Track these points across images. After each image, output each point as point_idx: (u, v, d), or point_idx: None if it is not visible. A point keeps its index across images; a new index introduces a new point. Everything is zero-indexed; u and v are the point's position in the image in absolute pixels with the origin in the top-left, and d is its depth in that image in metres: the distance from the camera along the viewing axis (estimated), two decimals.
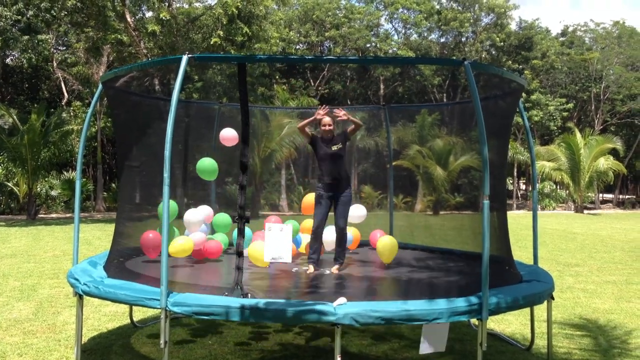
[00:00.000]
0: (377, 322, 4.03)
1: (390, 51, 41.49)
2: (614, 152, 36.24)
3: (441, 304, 4.16)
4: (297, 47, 41.12)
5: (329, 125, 6.55)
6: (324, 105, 6.76)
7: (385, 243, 6.70)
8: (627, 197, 49.97)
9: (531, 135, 6.76)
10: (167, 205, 4.16)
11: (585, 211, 36.08)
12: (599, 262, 12.77)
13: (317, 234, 6.44)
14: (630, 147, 43.46)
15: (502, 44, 42.42)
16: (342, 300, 4.14)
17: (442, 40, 44.82)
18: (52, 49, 33.75)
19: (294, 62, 40.68)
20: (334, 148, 6.46)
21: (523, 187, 51.48)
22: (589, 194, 38.68)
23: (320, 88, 40.77)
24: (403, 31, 45.68)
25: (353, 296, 4.37)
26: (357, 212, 7.65)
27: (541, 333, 6.45)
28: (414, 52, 41.14)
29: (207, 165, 7.20)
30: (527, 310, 6.48)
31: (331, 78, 42.16)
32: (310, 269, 6.17)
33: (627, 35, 46.37)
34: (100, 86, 5.61)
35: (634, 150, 44.00)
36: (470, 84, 4.24)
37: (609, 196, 50.59)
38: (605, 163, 34.38)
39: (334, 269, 6.26)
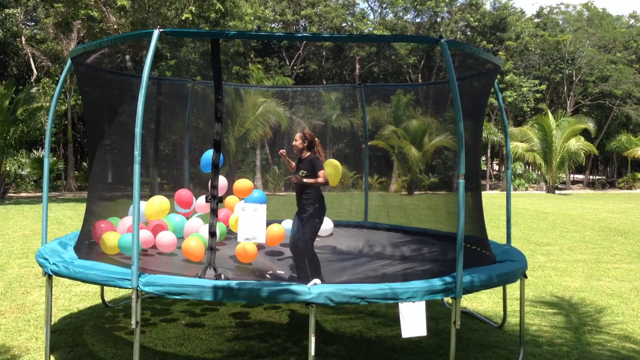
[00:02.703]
0: (352, 301, 4.02)
1: (366, 31, 41.30)
2: (585, 133, 36.80)
3: (416, 283, 4.17)
4: (273, 25, 40.70)
5: (295, 140, 5.96)
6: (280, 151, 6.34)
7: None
8: (597, 177, 50.83)
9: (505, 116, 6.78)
10: (138, 184, 4.07)
11: (557, 191, 36.65)
12: (570, 241, 12.99)
13: (291, 250, 5.98)
14: (602, 129, 44.14)
15: (476, 24, 42.55)
16: (316, 281, 4.11)
17: (418, 20, 44.78)
18: (21, 25, 32.88)
19: (267, 39, 40.15)
20: (300, 173, 5.83)
21: (496, 167, 52.03)
22: (561, 174, 39.27)
23: (295, 67, 40.50)
24: (379, 10, 45.51)
25: (328, 276, 4.35)
26: (323, 225, 7.08)
27: (513, 311, 6.54)
28: (389, 32, 40.99)
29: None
30: (500, 288, 6.57)
31: (307, 57, 41.87)
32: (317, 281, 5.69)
33: (598, 18, 46.88)
34: (68, 62, 5.45)
35: (604, 132, 44.70)
36: (446, 62, 4.21)
37: (580, 177, 51.46)
38: (577, 144, 34.89)
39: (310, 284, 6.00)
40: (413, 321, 4.32)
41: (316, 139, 6.07)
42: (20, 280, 8.13)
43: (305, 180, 5.67)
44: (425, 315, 4.32)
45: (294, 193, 6.10)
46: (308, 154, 5.92)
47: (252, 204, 4.91)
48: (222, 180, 6.66)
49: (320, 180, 5.72)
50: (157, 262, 5.54)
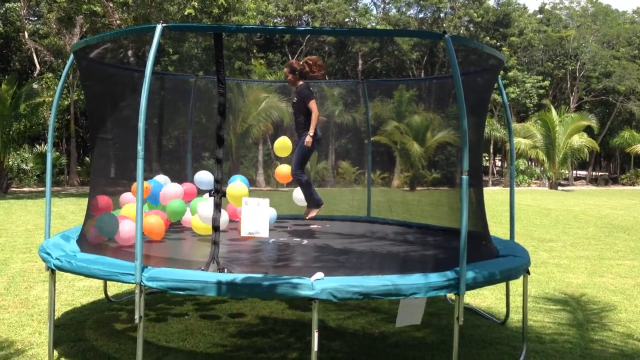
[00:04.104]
0: (355, 297, 4.01)
1: (369, 26, 41.23)
2: (588, 130, 36.71)
3: (419, 278, 4.15)
4: (275, 20, 40.64)
5: (286, 76, 6.41)
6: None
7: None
8: (600, 174, 50.77)
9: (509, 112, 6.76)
10: (141, 179, 4.06)
11: (559, 187, 36.60)
12: (573, 237, 12.97)
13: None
14: (605, 125, 44.04)
15: (480, 19, 42.42)
16: (319, 275, 4.10)
17: (421, 15, 44.69)
18: (24, 20, 32.87)
19: (270, 33, 40.19)
20: (293, 100, 6.45)
21: (499, 163, 51.98)
22: (563, 170, 39.20)
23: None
24: (382, 6, 45.42)
25: (331, 271, 4.34)
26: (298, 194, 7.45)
27: (516, 307, 6.53)
28: (392, 27, 40.93)
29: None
30: (503, 285, 6.56)
31: (309, 52, 41.79)
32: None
33: (602, 14, 46.74)
34: (71, 56, 5.44)
35: (607, 128, 44.60)
36: (450, 57, 4.19)
37: (583, 173, 51.39)
38: (580, 140, 34.82)
39: (308, 215, 6.71)
40: (410, 312, 4.33)
41: (308, 61, 6.31)
42: (23, 275, 8.14)
43: (310, 134, 5.92)
44: (423, 308, 4.35)
45: (296, 187, 6.38)
46: (300, 83, 6.16)
47: (255, 199, 4.90)
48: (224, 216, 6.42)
49: (314, 116, 6.16)
50: (160, 253, 5.54)
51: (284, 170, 7.16)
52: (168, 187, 6.49)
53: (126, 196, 6.14)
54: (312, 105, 6.15)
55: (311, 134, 6.15)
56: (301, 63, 6.44)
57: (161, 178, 6.79)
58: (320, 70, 6.44)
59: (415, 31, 25.72)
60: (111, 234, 5.09)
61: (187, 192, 6.80)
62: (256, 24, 33.38)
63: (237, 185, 6.36)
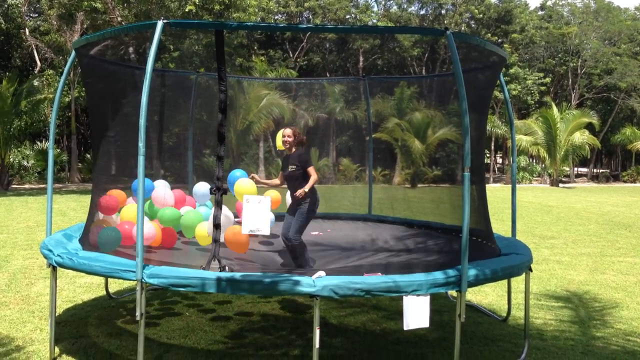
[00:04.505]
0: (356, 293, 4.00)
1: (370, 23, 41.18)
2: (589, 127, 36.64)
3: (421, 276, 4.15)
4: (276, 17, 40.58)
5: (288, 136, 5.99)
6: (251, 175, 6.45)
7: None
8: (601, 171, 50.71)
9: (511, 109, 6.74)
10: (143, 176, 4.05)
11: (561, 185, 36.56)
12: (574, 234, 12.95)
13: (284, 243, 6.04)
14: (606, 122, 43.96)
15: (481, 16, 42.34)
16: (320, 273, 4.10)
17: (422, 12, 44.62)
18: (25, 16, 32.85)
19: (271, 30, 40.17)
20: (290, 169, 6.08)
21: (500, 160, 51.93)
22: (565, 167, 39.15)
23: (299, 59, 40.40)
24: (383, 2, 45.33)
25: (332, 269, 4.34)
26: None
27: (517, 304, 6.52)
28: (393, 24, 40.85)
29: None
30: (504, 282, 6.54)
31: (310, 50, 41.77)
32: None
33: (604, 10, 46.63)
34: (72, 53, 5.43)
35: (609, 125, 44.53)
36: (452, 53, 4.18)
37: (584, 170, 51.35)
38: (581, 137, 34.76)
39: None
40: (416, 313, 4.31)
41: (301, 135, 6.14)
42: (24, 272, 8.14)
43: (306, 190, 5.67)
44: (429, 308, 4.32)
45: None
46: (295, 149, 5.97)
47: (257, 196, 4.89)
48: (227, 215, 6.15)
49: (313, 178, 5.78)
50: (162, 253, 5.54)
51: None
52: (157, 191, 6.35)
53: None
54: (312, 170, 5.90)
55: (306, 190, 5.84)
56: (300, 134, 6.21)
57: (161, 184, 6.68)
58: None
59: (417, 28, 25.64)
60: (112, 248, 5.04)
61: (178, 199, 6.62)
62: (257, 21, 33.37)
63: (244, 182, 6.33)
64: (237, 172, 6.87)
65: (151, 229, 5.60)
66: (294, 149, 5.99)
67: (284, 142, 6.00)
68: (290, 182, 5.97)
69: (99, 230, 5.26)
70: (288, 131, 5.99)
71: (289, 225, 5.85)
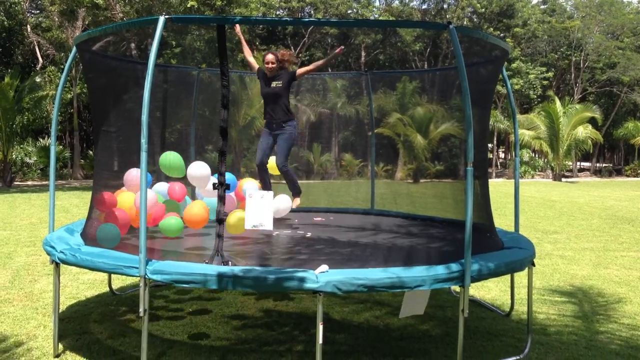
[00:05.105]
0: (359, 289, 4.00)
1: (371, 17, 41.06)
2: (592, 121, 36.56)
3: (424, 271, 4.14)
4: (278, 12, 40.51)
5: (271, 63, 6.40)
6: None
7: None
8: (604, 165, 50.60)
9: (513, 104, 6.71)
10: (145, 174, 4.05)
11: (563, 179, 36.52)
12: (577, 229, 12.93)
13: (259, 169, 6.62)
14: (609, 116, 43.85)
15: (483, 10, 42.20)
16: (324, 267, 4.09)
17: (424, 6, 44.49)
18: (26, 13, 32.83)
19: (274, 24, 40.13)
20: (273, 85, 6.34)
21: (502, 155, 51.85)
22: (567, 162, 39.08)
23: (300, 55, 40.33)
24: None
25: (335, 263, 4.33)
26: (281, 204, 6.88)
27: (520, 299, 6.52)
28: (395, 19, 40.74)
29: (171, 161, 6.25)
30: (507, 277, 6.54)
31: (312, 45, 41.70)
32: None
33: (607, 4, 46.42)
34: (74, 49, 5.42)
35: (612, 119, 44.41)
36: (455, 48, 4.16)
37: (587, 164, 51.21)
38: (584, 132, 34.70)
39: (295, 204, 6.75)
40: (414, 303, 4.33)
41: (285, 54, 6.51)
42: (28, 269, 8.15)
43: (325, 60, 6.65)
44: (427, 299, 4.34)
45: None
46: (279, 71, 6.41)
47: (259, 191, 4.89)
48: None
49: (317, 63, 6.51)
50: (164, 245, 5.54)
51: (195, 212, 6.04)
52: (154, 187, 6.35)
53: (131, 173, 6.06)
54: (302, 69, 6.41)
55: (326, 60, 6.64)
56: (283, 54, 6.55)
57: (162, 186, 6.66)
58: (290, 64, 6.62)
59: (420, 22, 25.62)
60: (112, 244, 5.03)
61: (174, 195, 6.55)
62: (259, 16, 33.27)
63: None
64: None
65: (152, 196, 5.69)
66: (278, 71, 6.40)
67: (270, 69, 6.33)
68: (270, 100, 6.30)
69: (99, 225, 5.26)
70: (270, 57, 6.33)
71: (266, 150, 6.44)
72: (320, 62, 6.61)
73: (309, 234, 6.24)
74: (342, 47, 6.69)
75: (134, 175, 5.95)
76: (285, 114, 6.47)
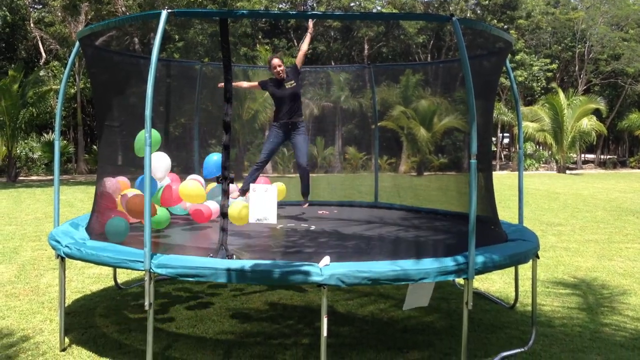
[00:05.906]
0: (363, 282, 4.01)
1: (374, 10, 40.91)
2: (596, 113, 36.41)
3: (428, 263, 4.15)
4: (280, 5, 40.38)
5: (279, 66, 6.45)
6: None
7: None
8: (608, 157, 50.42)
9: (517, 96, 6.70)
10: (149, 166, 4.05)
11: (568, 171, 36.42)
12: (581, 221, 12.91)
13: (259, 167, 6.78)
14: (613, 108, 43.66)
15: (487, 2, 41.98)
16: (326, 260, 4.10)
17: None
18: (29, 8, 32.84)
19: (278, 18, 40.08)
20: (287, 86, 6.38)
21: (506, 141, 51.65)
22: (572, 154, 38.94)
23: None
24: None
25: (339, 256, 4.34)
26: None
27: (524, 291, 6.52)
28: (398, 11, 40.57)
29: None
30: (511, 269, 6.54)
31: (314, 38, 41.55)
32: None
33: None
34: (77, 44, 5.42)
35: (616, 111, 44.22)
36: (458, 40, 4.15)
37: (591, 156, 51.03)
38: (589, 123, 34.54)
39: (305, 205, 6.98)
40: (418, 295, 4.34)
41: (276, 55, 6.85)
42: (33, 263, 8.19)
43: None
44: (431, 291, 4.35)
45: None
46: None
47: (263, 185, 4.90)
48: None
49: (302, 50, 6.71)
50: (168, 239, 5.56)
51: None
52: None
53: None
54: (298, 59, 6.70)
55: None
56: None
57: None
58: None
59: (423, 14, 25.54)
60: (120, 239, 5.02)
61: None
62: (261, 10, 33.17)
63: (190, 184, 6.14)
64: (214, 156, 6.72)
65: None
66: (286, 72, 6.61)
67: (279, 73, 6.39)
68: (288, 100, 6.38)
69: (106, 219, 5.26)
70: (276, 61, 6.44)
71: (275, 149, 6.80)
72: (303, 45, 6.72)
73: (312, 227, 6.25)
74: (312, 22, 6.78)
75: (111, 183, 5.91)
76: (301, 113, 6.53)
